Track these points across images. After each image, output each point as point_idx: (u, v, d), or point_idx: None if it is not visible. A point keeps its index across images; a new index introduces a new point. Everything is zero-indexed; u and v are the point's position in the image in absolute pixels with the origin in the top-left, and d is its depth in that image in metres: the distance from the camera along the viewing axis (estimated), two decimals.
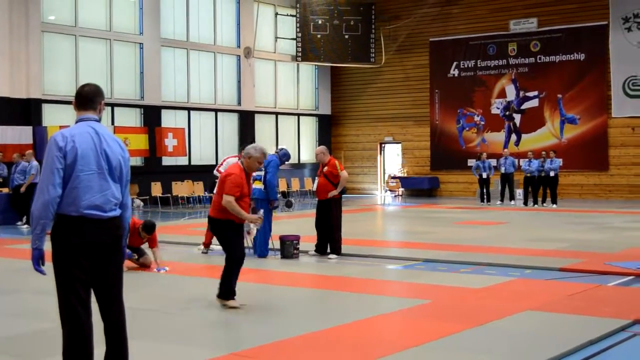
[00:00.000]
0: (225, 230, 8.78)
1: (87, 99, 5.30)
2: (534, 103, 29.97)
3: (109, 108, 26.23)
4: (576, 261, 11.95)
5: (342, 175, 13.04)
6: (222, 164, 13.85)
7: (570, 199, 28.15)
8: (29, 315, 8.28)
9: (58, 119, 23.40)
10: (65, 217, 5.02)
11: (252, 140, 29.68)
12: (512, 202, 25.89)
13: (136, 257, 11.77)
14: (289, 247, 12.86)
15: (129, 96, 27.19)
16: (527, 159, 25.29)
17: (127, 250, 11.39)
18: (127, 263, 11.60)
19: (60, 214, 5.02)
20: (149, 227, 11.57)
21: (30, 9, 23.89)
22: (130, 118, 27.22)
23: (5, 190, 20.78)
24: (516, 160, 26.15)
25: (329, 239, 13.12)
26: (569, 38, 28.97)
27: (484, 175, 26.38)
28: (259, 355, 6.50)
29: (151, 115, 27.57)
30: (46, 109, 24.35)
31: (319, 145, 34.08)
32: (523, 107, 30.20)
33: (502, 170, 25.94)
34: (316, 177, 13.45)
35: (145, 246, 11.83)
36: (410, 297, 9.21)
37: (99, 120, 5.31)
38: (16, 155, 21.10)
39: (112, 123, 25.97)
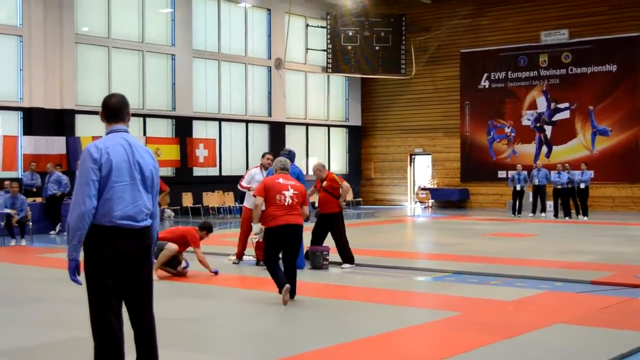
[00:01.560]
0: None
1: (116, 110, 5.35)
2: (565, 115, 29.75)
3: (141, 118, 26.42)
4: (607, 274, 11.83)
5: (344, 185, 12.96)
6: (244, 177, 13.89)
7: (602, 211, 27.88)
8: (61, 324, 8.34)
9: (91, 130, 23.57)
10: (99, 227, 5.06)
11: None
12: (543, 214, 25.72)
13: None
14: (319, 258, 12.86)
15: (160, 107, 27.36)
16: (557, 171, 25.17)
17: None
18: (160, 273, 11.69)
19: (93, 224, 5.06)
20: (210, 227, 12.34)
21: (64, 21, 24.14)
22: (162, 129, 27.38)
23: (39, 199, 20.95)
24: (549, 172, 25.90)
25: (340, 251, 13.13)
26: (600, 49, 28.75)
27: (518, 188, 26.22)
28: None
29: (182, 126, 27.72)
30: (79, 119, 24.55)
31: (349, 156, 34.35)
32: (554, 118, 30.00)
33: (536, 182, 25.74)
34: (315, 193, 13.35)
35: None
36: (440, 309, 9.17)
37: (128, 131, 5.37)
38: (50, 165, 21.29)
39: (144, 134, 26.13)
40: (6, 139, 22.61)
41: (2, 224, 17.61)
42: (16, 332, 8.02)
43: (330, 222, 13.06)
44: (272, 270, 9.52)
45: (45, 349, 7.19)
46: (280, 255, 9.81)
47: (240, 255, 13.60)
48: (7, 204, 17.75)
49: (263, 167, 13.65)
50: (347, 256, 13.13)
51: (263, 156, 13.93)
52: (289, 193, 9.55)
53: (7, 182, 18.73)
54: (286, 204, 9.50)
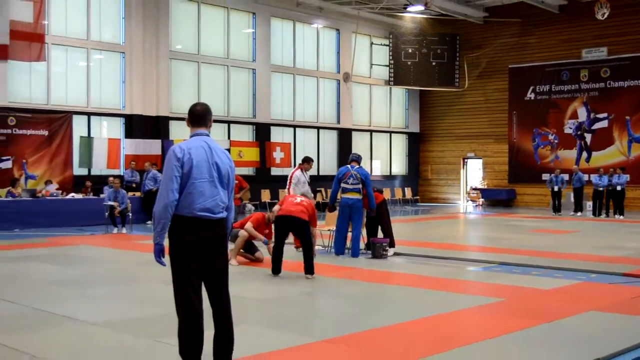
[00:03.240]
0: None
1: (200, 116, 5.41)
2: (604, 124, 29.14)
3: (226, 125, 26.70)
4: (639, 267, 11.55)
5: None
6: (290, 180, 13.94)
7: (637, 211, 27.24)
8: (152, 301, 8.48)
9: (182, 134, 23.86)
10: (182, 217, 5.13)
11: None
12: (579, 213, 25.27)
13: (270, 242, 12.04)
14: (379, 249, 12.84)
15: (243, 115, 27.58)
16: (598, 175, 24.81)
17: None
18: (239, 258, 11.79)
19: (177, 215, 5.13)
20: None
21: (160, 40, 24.51)
22: (244, 134, 27.61)
23: (138, 194, 21.30)
24: (584, 176, 25.54)
25: (385, 236, 13.45)
26: (636, 65, 28.07)
27: (556, 189, 25.88)
28: (348, 342, 6.50)
29: (262, 132, 27.91)
30: (172, 125, 24.89)
31: (409, 159, 34.21)
32: (593, 127, 29.40)
33: (572, 184, 25.52)
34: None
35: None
36: (486, 295, 9.07)
37: (209, 135, 5.43)
38: (147, 164, 21.64)
39: (229, 138, 26.39)
40: (111, 141, 23.08)
41: (106, 214, 17.97)
42: (116, 308, 8.19)
43: (377, 211, 13.26)
44: (276, 253, 10.52)
45: (140, 322, 7.32)
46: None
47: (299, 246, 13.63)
48: (110, 197, 18.09)
49: (304, 169, 13.88)
50: (390, 241, 13.30)
51: (308, 162, 14.12)
52: (298, 199, 10.99)
53: (111, 179, 19.12)
54: (294, 201, 10.90)
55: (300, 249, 13.38)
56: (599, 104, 29.21)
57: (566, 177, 26.20)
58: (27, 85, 21.96)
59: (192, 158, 5.16)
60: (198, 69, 25.99)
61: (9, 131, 20.88)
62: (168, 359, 5.67)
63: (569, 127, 30.10)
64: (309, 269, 10.34)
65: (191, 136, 5.36)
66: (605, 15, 26.38)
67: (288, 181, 14.09)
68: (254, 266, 11.62)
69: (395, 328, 7.13)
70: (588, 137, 29.56)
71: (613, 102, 28.81)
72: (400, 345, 6.44)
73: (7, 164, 20.83)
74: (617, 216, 24.05)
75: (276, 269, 10.52)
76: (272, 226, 12.17)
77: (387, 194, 30.87)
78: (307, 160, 14.28)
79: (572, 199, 25.89)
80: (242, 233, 11.65)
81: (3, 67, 21.04)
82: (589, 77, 29.40)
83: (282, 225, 10.65)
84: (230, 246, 11.62)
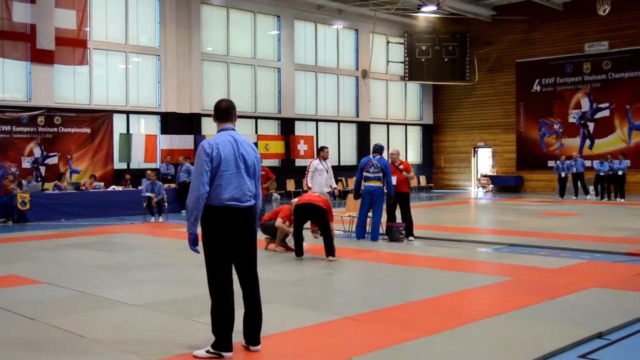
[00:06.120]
0: None
1: (225, 112, 5.44)
2: (606, 113, 28.85)
3: (253, 120, 26.72)
4: None
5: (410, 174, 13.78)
6: (309, 170, 13.85)
7: (637, 194, 26.95)
8: (187, 283, 8.51)
9: (213, 129, 23.48)
10: (212, 207, 5.17)
11: (369, 146, 29.63)
12: (587, 197, 25.07)
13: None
14: (395, 233, 12.84)
15: (269, 110, 27.60)
16: (599, 161, 24.62)
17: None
18: (272, 246, 11.76)
19: (208, 204, 5.17)
20: None
21: (192, 43, 24.57)
22: (270, 128, 27.64)
23: (173, 185, 21.40)
24: (585, 162, 25.31)
25: (407, 224, 13.21)
26: (636, 57, 27.74)
27: (562, 175, 25.70)
28: (368, 319, 6.50)
29: (287, 126, 27.92)
30: (204, 121, 24.97)
31: (423, 149, 34.06)
32: (596, 116, 29.11)
33: (574, 170, 25.30)
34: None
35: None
36: (495, 274, 9.02)
37: (234, 129, 5.44)
38: (181, 158, 21.74)
39: (256, 132, 26.42)
40: (147, 137, 23.19)
41: (144, 204, 18.09)
42: (154, 289, 8.24)
43: (402, 199, 13.16)
44: (297, 238, 10.66)
45: (176, 302, 7.37)
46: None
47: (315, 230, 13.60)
48: (148, 189, 18.22)
49: (323, 158, 13.76)
50: (411, 230, 13.21)
51: (322, 150, 14.00)
52: (315, 194, 11.21)
53: (148, 172, 19.23)
54: (313, 193, 11.24)
55: (317, 234, 13.47)
56: (601, 95, 28.91)
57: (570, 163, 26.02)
58: (71, 87, 22.11)
59: (220, 152, 5.18)
60: (227, 69, 26.02)
61: (55, 130, 21.06)
62: (202, 336, 5.71)
63: (572, 117, 29.83)
64: (330, 251, 10.36)
65: (218, 131, 5.39)
66: (607, 11, 26.12)
67: (306, 171, 14.11)
68: (281, 252, 11.64)
69: (411, 305, 7.12)
70: (591, 125, 29.28)
71: (614, 93, 28.50)
72: (416, 321, 6.43)
73: (54, 160, 21.04)
74: (618, 199, 23.85)
75: (299, 251, 10.61)
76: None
77: None
78: (320, 149, 14.24)
79: (572, 184, 25.73)
80: (280, 226, 11.52)
81: (49, 71, 21.22)
82: (592, 70, 29.10)
83: (301, 212, 10.68)
84: (262, 235, 11.65)
